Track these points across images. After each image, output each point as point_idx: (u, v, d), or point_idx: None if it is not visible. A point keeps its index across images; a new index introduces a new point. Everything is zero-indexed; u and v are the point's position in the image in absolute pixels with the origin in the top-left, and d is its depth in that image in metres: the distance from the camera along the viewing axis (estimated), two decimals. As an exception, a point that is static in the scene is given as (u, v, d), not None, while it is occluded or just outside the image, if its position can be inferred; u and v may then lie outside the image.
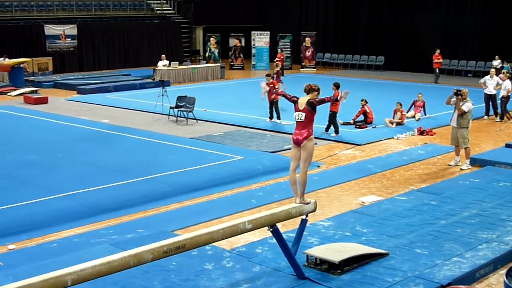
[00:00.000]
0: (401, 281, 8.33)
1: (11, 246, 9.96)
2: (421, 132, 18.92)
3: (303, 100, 8.63)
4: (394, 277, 8.45)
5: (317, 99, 8.60)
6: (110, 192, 12.58)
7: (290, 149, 8.97)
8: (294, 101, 8.74)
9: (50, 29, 35.04)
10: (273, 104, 20.19)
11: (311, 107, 8.49)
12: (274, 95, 19.96)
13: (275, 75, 22.94)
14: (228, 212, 11.51)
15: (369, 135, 18.46)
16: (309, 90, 8.78)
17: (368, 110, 19.85)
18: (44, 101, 25.08)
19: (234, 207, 11.80)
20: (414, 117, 20.84)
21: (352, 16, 39.74)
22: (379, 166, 15.09)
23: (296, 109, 8.66)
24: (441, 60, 30.99)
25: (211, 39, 38.10)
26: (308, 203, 8.63)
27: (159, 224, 10.90)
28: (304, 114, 8.51)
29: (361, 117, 19.91)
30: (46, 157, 15.78)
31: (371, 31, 38.74)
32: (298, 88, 22.51)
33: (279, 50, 35.33)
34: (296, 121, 8.63)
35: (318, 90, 8.79)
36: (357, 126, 19.46)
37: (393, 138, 18.33)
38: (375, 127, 19.54)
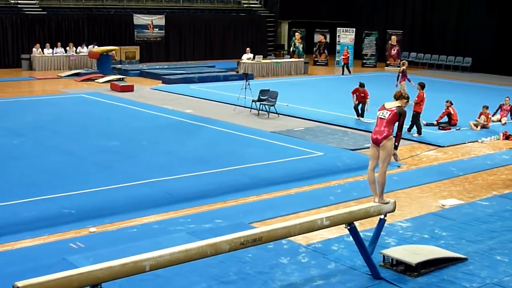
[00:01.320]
0: (479, 287, 8.16)
1: (93, 229, 10.21)
2: (507, 137, 18.42)
3: (391, 103, 8.65)
4: (472, 283, 8.28)
5: (403, 116, 8.60)
6: (190, 182, 12.74)
7: (371, 147, 8.92)
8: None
9: (139, 19, 35.82)
10: (360, 103, 19.99)
11: (399, 113, 8.48)
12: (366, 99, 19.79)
13: (400, 74, 22.78)
14: (305, 207, 11.50)
15: (453, 137, 18.10)
16: (399, 96, 8.81)
17: (452, 112, 19.47)
18: (130, 89, 25.61)
19: (312, 203, 11.78)
20: (500, 121, 20.34)
21: (439, 15, 38.95)
22: (462, 169, 14.78)
23: (382, 109, 8.63)
24: None
25: (296, 34, 38.18)
26: (387, 203, 8.57)
27: (237, 216, 10.99)
28: (389, 113, 8.49)
29: (445, 119, 19.55)
30: (129, 144, 16.12)
31: (459, 32, 37.87)
32: (381, 87, 22.35)
33: (345, 48, 34.89)
34: (378, 118, 8.59)
35: (407, 98, 8.94)
36: (441, 128, 19.13)
37: (477, 141, 17.92)
38: (459, 129, 19.16)
